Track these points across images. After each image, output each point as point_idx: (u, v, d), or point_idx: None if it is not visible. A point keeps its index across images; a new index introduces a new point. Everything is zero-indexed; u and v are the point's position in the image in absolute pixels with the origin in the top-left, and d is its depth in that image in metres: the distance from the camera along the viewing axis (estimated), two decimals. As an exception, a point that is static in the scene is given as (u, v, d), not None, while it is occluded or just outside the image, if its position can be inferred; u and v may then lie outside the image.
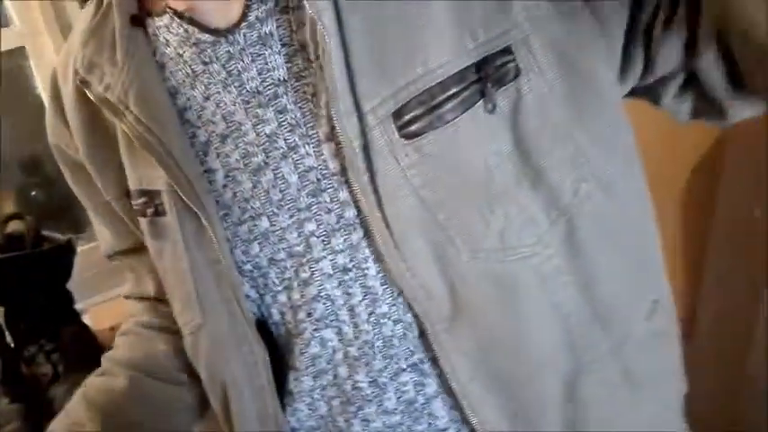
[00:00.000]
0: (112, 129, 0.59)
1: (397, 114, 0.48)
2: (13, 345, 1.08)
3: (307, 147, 0.53)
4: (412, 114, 0.48)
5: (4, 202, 1.32)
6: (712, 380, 1.35)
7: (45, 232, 1.14)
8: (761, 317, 1.27)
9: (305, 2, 0.46)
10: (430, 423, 0.59)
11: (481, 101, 0.48)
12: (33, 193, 1.35)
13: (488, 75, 0.48)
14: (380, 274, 0.54)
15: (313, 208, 0.54)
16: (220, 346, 0.61)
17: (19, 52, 1.21)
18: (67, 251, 1.11)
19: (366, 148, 0.49)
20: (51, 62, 1.20)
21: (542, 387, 0.54)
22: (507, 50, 0.48)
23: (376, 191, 0.49)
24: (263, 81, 0.52)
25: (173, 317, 0.67)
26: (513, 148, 0.49)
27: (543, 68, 0.48)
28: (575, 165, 0.50)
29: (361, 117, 0.48)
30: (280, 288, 0.59)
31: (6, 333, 1.08)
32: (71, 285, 1.13)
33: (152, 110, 0.54)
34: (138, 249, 0.68)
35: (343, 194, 0.53)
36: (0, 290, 1.07)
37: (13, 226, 1.14)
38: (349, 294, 0.56)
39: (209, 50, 0.53)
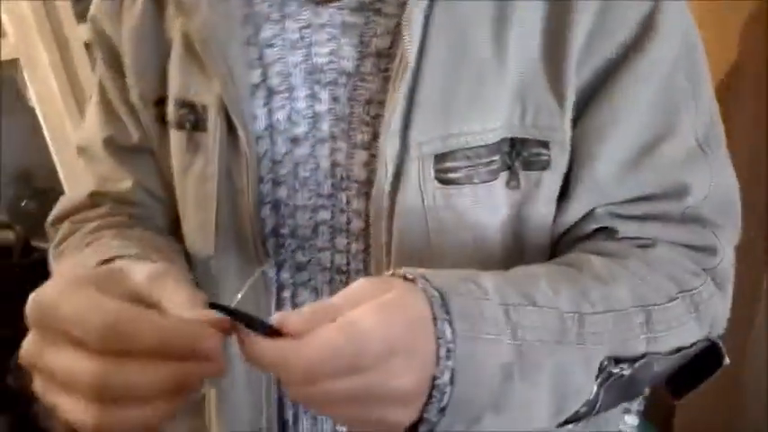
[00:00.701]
0: (168, 32, 0.58)
1: (441, 158, 0.49)
2: (-1, 356, 1.07)
3: (342, 143, 0.53)
4: (455, 164, 0.49)
5: (-6, 211, 1.31)
6: (705, 411, 1.35)
7: (34, 243, 1.13)
8: (758, 320, 1.28)
9: (403, 22, 0.47)
10: None
11: (506, 173, 0.50)
12: (23, 203, 1.35)
13: (520, 154, 0.50)
14: None
15: (331, 199, 0.55)
16: (226, 284, 0.59)
17: (12, 64, 1.21)
18: (57, 262, 1.10)
19: (397, 176, 0.50)
20: (45, 75, 1.20)
21: None
22: (545, 144, 0.50)
23: (390, 217, 0.50)
24: (329, 62, 0.53)
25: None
26: (510, 225, 0.52)
27: (561, 172, 0.51)
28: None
29: (405, 145, 0.49)
30: (270, 261, 0.58)
31: (-8, 344, 1.07)
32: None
33: (222, 19, 0.53)
34: (136, 150, 0.64)
35: (359, 204, 0.54)
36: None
37: (2, 236, 1.14)
38: (333, 294, 0.56)
39: (293, 6, 0.53)
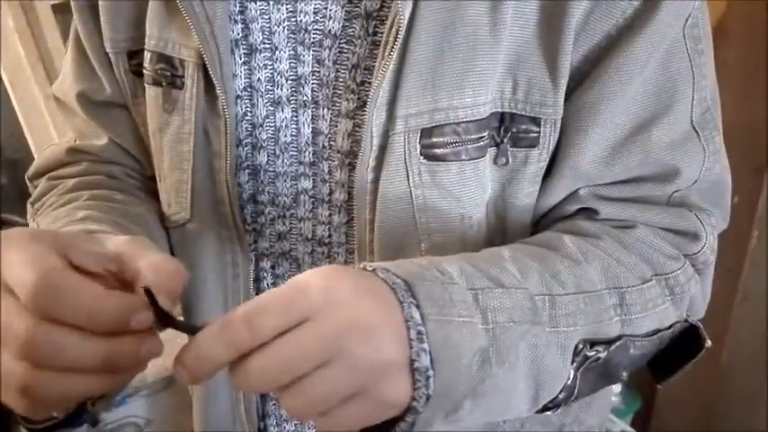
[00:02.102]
0: None
1: (428, 132, 0.47)
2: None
3: (325, 111, 0.51)
4: (442, 139, 0.47)
5: (-37, 185, 1.27)
6: (688, 377, 1.37)
7: (5, 215, 1.10)
8: (734, 312, 1.29)
9: None
10: None
11: (494, 150, 0.49)
12: (-7, 176, 1.31)
13: (509, 130, 0.48)
14: (348, 264, 0.54)
15: (313, 168, 0.53)
16: (202, 248, 0.57)
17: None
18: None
19: (382, 149, 0.48)
20: (11, 41, 1.16)
21: None
22: (536, 121, 0.48)
23: (375, 192, 0.49)
24: (314, 23, 0.50)
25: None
26: (494, 203, 0.51)
27: (549, 150, 0.49)
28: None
29: (391, 117, 0.47)
30: (249, 228, 0.57)
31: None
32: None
33: None
34: (110, 105, 0.62)
35: (342, 175, 0.52)
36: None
37: (-29, 209, 1.10)
38: (315, 266, 0.55)
39: None
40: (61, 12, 1.19)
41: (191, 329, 0.35)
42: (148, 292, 0.34)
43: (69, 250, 0.35)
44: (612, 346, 0.46)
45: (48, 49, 1.18)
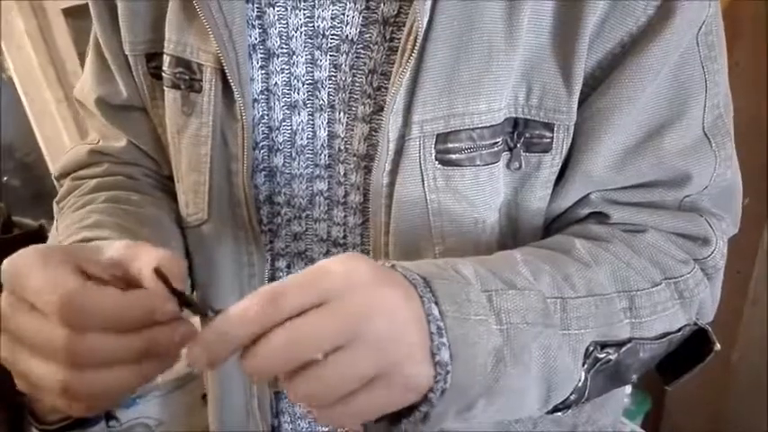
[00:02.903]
0: None
1: (443, 138, 0.48)
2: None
3: (341, 114, 0.52)
4: (457, 144, 0.48)
5: (-24, 188, 1.28)
6: (698, 379, 1.36)
7: (16, 218, 1.11)
8: (745, 313, 1.28)
9: None
10: None
11: (508, 154, 0.49)
12: (5, 179, 1.32)
13: (522, 135, 0.49)
14: None
15: (329, 170, 0.54)
16: (219, 248, 0.58)
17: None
18: (38, 237, 1.08)
19: (398, 153, 0.48)
20: (22, 44, 1.17)
21: None
22: (549, 126, 0.48)
23: (390, 196, 0.49)
24: (332, 28, 0.51)
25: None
26: (506, 207, 0.52)
27: (562, 155, 0.50)
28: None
29: (407, 122, 0.47)
30: (265, 228, 0.58)
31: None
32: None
33: None
34: (127, 108, 0.63)
35: (357, 178, 0.53)
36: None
37: (-16, 212, 1.11)
38: None
39: None
40: (72, 16, 1.20)
41: (208, 309, 0.36)
42: (159, 272, 0.35)
43: (80, 262, 0.36)
44: (623, 349, 0.46)
45: (59, 53, 1.19)
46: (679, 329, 0.50)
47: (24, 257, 0.35)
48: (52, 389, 0.35)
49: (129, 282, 0.38)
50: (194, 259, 0.63)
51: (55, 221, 0.61)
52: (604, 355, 0.45)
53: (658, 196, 0.52)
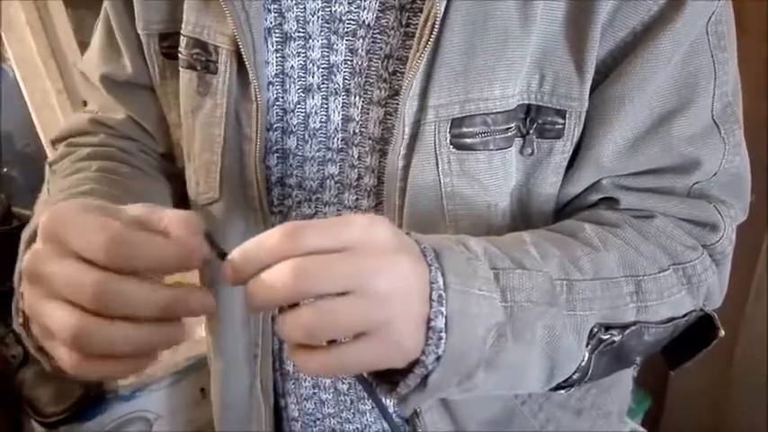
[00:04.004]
0: None
1: (458, 122, 0.48)
2: (-19, 325, 1.05)
3: (357, 98, 0.53)
4: (472, 129, 0.48)
5: (-25, 178, 1.28)
6: (699, 377, 1.36)
7: (15, 209, 1.10)
8: (747, 311, 1.28)
9: None
10: None
11: (520, 140, 0.50)
12: (5, 169, 1.31)
13: (535, 121, 0.49)
14: None
15: (341, 154, 0.55)
16: (229, 227, 0.58)
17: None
18: (39, 229, 1.08)
19: (413, 137, 0.49)
20: (23, 35, 1.16)
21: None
22: (561, 113, 0.49)
23: (405, 179, 0.50)
24: (348, 12, 0.51)
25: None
26: (518, 192, 0.52)
27: (573, 142, 0.50)
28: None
29: (422, 107, 0.48)
30: (275, 210, 0.58)
31: (-25, 313, 1.05)
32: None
33: None
34: (130, 85, 0.64)
35: (372, 161, 0.54)
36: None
37: (-17, 203, 1.11)
38: None
39: None
40: (73, 6, 1.19)
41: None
42: (209, 236, 0.38)
43: (114, 215, 0.37)
44: (627, 331, 0.47)
45: (59, 43, 1.18)
46: (685, 315, 0.51)
47: (66, 208, 0.36)
48: (69, 333, 0.35)
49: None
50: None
51: (46, 183, 0.62)
52: (608, 336, 0.46)
53: (668, 182, 0.53)
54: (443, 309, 0.38)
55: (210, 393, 0.73)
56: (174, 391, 1.10)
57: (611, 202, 0.54)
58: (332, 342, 0.36)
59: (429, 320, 0.37)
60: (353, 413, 0.64)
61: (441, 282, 0.38)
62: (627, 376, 0.71)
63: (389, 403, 0.59)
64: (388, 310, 0.36)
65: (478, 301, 0.39)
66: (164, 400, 1.09)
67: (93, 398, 1.01)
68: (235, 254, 0.36)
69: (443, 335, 0.38)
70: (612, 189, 0.53)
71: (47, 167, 0.65)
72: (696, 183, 0.53)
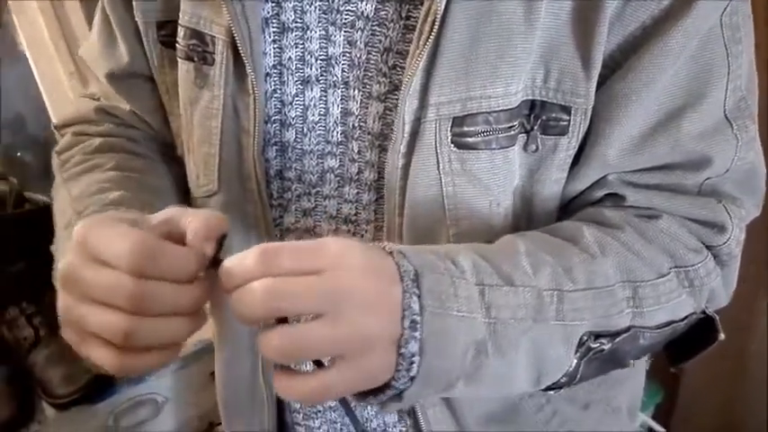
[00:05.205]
0: None
1: (459, 121, 0.47)
2: (-6, 307, 1.07)
3: (356, 92, 0.52)
4: (473, 128, 0.48)
5: (-10, 162, 1.29)
6: (712, 371, 1.34)
7: (28, 194, 1.11)
8: (760, 306, 1.26)
9: None
10: None
11: (524, 137, 0.49)
12: (18, 153, 1.32)
13: (539, 118, 0.48)
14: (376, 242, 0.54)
15: (341, 147, 0.54)
16: (229, 220, 0.59)
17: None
18: (50, 213, 1.08)
19: (413, 135, 0.48)
20: (34, 19, 1.16)
21: None
22: (566, 109, 0.48)
23: (405, 177, 0.49)
24: (346, 3, 0.50)
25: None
26: (521, 189, 0.52)
27: (579, 138, 0.49)
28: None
29: (423, 105, 0.47)
30: (275, 203, 0.58)
31: (-13, 295, 1.07)
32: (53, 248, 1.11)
33: None
34: (130, 75, 0.64)
35: (372, 156, 0.53)
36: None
37: (-3, 187, 1.12)
38: None
39: None
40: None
41: None
42: (222, 239, 0.41)
43: (138, 225, 0.40)
44: (619, 338, 0.47)
45: (71, 27, 1.18)
46: (684, 318, 0.51)
47: (95, 222, 0.40)
48: (115, 337, 0.37)
49: (176, 239, 0.41)
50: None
51: (58, 175, 0.63)
52: (597, 345, 0.46)
53: (677, 179, 0.51)
54: (417, 333, 0.38)
55: (210, 400, 0.74)
56: (183, 375, 1.11)
57: (616, 199, 0.52)
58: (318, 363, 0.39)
59: (399, 347, 0.38)
60: (354, 406, 0.63)
61: (416, 307, 0.38)
62: (639, 371, 0.70)
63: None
64: (358, 333, 0.37)
65: (456, 323, 0.40)
66: (173, 383, 1.10)
67: (104, 380, 1.02)
68: (221, 268, 0.38)
69: (416, 359, 0.38)
70: (619, 185, 0.52)
71: (54, 156, 0.65)
72: (707, 179, 0.51)
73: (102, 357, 0.39)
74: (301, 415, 0.67)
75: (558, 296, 0.44)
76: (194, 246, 0.39)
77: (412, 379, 0.39)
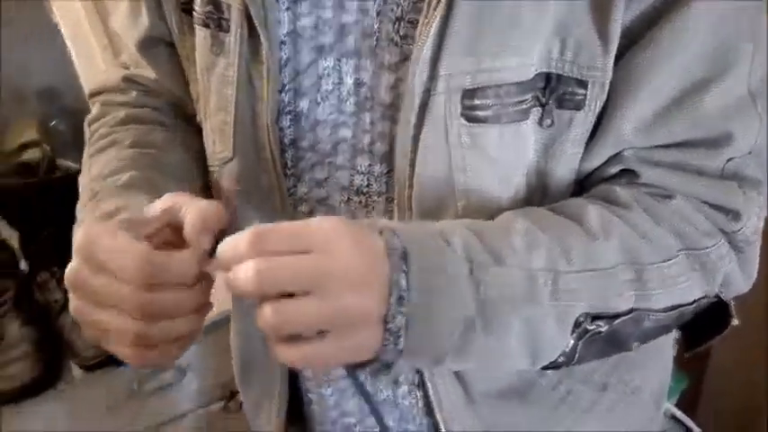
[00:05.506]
0: None
1: (469, 94, 0.47)
2: (26, 270, 1.10)
3: (368, 62, 0.51)
4: (484, 101, 0.47)
5: (27, 130, 1.32)
6: (739, 359, 1.31)
7: (60, 161, 1.14)
8: None
9: None
10: None
11: (538, 110, 0.48)
12: (53, 122, 1.35)
13: (554, 91, 0.47)
14: (385, 216, 0.55)
15: (353, 118, 0.54)
16: (244, 187, 0.60)
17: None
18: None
19: (423, 108, 0.48)
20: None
21: None
22: (583, 83, 0.47)
23: (414, 150, 0.49)
24: None
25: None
26: (535, 165, 0.51)
27: (595, 113, 0.48)
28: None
29: (432, 76, 0.47)
30: (289, 172, 0.58)
31: (21, 258, 1.10)
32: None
33: None
34: (153, 41, 0.65)
35: (384, 127, 0.52)
36: (15, 215, 1.09)
37: (30, 154, 1.15)
38: (352, 216, 0.56)
39: None
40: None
41: None
42: (222, 233, 0.42)
43: (136, 227, 0.43)
44: (618, 320, 0.46)
45: (103, 1, 1.20)
46: (693, 302, 0.49)
47: (95, 232, 0.42)
48: (128, 339, 0.41)
49: (175, 228, 0.43)
50: (218, 197, 0.64)
51: (86, 148, 0.66)
52: (594, 327, 0.46)
53: (695, 158, 0.49)
54: (403, 309, 0.40)
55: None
56: (207, 343, 1.12)
57: (630, 176, 0.51)
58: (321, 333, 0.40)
59: (386, 322, 0.40)
60: (365, 376, 0.64)
61: (403, 283, 0.40)
62: (664, 357, 0.69)
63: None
64: (346, 313, 0.39)
65: (444, 300, 0.41)
66: (197, 350, 1.13)
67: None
68: (218, 250, 0.40)
69: (402, 333, 0.40)
70: (634, 162, 0.50)
71: (86, 125, 0.67)
72: (729, 160, 0.49)
73: (120, 353, 0.43)
74: (313, 383, 0.68)
75: (553, 276, 0.44)
76: (191, 239, 0.42)
77: (399, 352, 0.41)
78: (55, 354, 1.01)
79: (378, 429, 0.64)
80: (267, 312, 0.38)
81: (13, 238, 1.13)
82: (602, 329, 0.46)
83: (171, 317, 0.41)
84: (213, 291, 0.44)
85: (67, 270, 0.42)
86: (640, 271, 0.47)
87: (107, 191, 0.55)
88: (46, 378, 0.98)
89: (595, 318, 0.46)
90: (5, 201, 1.05)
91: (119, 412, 1.08)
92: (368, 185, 0.55)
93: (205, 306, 0.43)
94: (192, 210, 0.42)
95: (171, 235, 0.44)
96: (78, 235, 0.42)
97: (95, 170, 0.60)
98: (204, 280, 0.43)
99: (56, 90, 1.37)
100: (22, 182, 1.04)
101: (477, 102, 0.47)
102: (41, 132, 1.29)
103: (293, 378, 0.68)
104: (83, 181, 0.61)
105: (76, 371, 1.02)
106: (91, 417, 1.06)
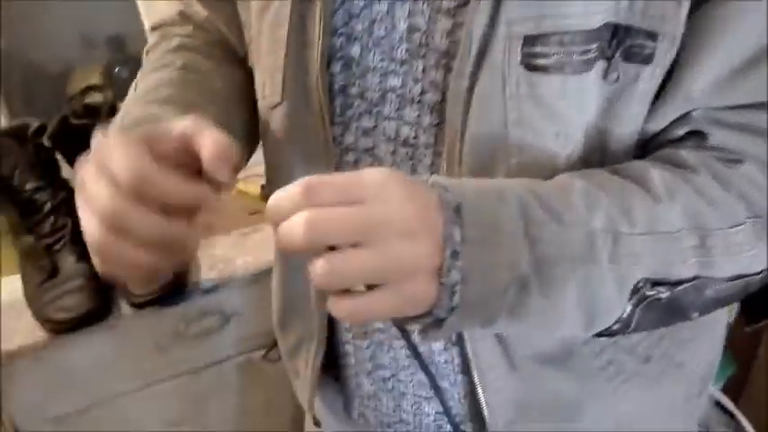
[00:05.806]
0: None
1: (531, 40, 0.45)
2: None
3: (425, 5, 0.50)
4: (546, 49, 0.45)
5: (92, 74, 1.37)
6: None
7: (120, 104, 1.17)
8: None
9: None
10: None
11: (603, 63, 0.46)
12: (117, 69, 1.39)
13: (622, 43, 0.45)
14: (431, 170, 0.54)
15: (404, 66, 0.53)
16: (289, 133, 0.60)
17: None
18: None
19: (481, 54, 0.46)
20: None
21: None
22: (653, 35, 0.45)
23: (468, 101, 0.47)
24: None
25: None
26: (596, 123, 0.49)
27: (664, 68, 0.46)
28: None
29: (493, 22, 0.45)
30: (337, 120, 0.58)
31: (80, 197, 1.14)
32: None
33: None
34: None
35: (437, 75, 0.51)
36: (76, 156, 1.13)
37: (93, 97, 1.18)
38: (397, 167, 0.55)
39: None
40: None
41: None
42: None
43: (152, 143, 0.42)
44: (680, 287, 0.44)
45: (168, -54, 1.21)
46: (759, 272, 0.47)
47: (108, 138, 0.42)
48: (91, 244, 0.41)
49: (190, 153, 0.43)
50: (266, 142, 0.64)
51: (141, 70, 0.68)
52: (654, 292, 0.44)
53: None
54: (458, 262, 0.39)
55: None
56: (252, 291, 1.15)
57: (698, 139, 0.48)
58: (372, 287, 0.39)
59: (441, 276, 0.39)
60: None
61: (458, 237, 0.39)
62: (714, 335, 0.66)
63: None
64: (399, 265, 0.38)
65: (499, 256, 0.40)
66: (241, 297, 1.15)
67: (178, 286, 1.08)
68: (269, 202, 0.39)
69: (457, 288, 0.39)
70: (703, 122, 0.48)
71: (144, 54, 0.70)
72: None
73: (94, 260, 0.43)
74: (351, 334, 0.68)
75: (613, 238, 0.43)
76: (210, 167, 0.41)
77: (452, 309, 0.40)
78: (107, 289, 1.05)
79: (412, 383, 0.64)
80: (321, 265, 0.37)
81: (73, 177, 1.17)
82: (663, 296, 0.45)
83: (137, 238, 0.40)
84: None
85: (80, 171, 0.43)
86: (704, 237, 0.45)
87: (143, 101, 0.57)
88: (98, 311, 1.02)
89: (656, 284, 0.44)
90: (68, 141, 1.08)
91: (164, 351, 1.13)
92: (415, 137, 0.54)
93: (176, 248, 0.42)
94: (210, 139, 0.42)
95: (186, 159, 0.43)
96: (96, 140, 0.42)
97: (141, 86, 0.62)
98: (192, 219, 0.42)
99: (122, 38, 1.41)
100: (84, 123, 1.06)
101: (538, 49, 0.45)
102: (105, 77, 1.32)
103: (331, 329, 0.69)
104: (128, 95, 0.63)
105: (125, 308, 1.06)
106: (137, 353, 1.11)
